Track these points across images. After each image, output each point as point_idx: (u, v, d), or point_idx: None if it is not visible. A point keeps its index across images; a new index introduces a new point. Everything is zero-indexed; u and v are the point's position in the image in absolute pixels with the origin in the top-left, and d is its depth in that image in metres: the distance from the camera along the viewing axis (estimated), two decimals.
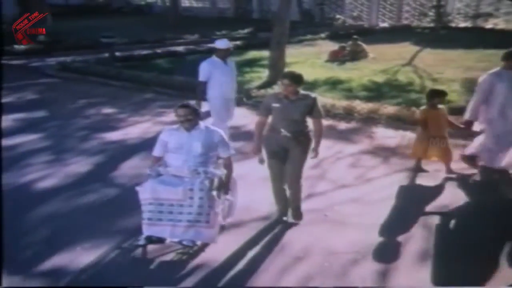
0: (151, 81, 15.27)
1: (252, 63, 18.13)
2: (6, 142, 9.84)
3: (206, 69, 8.97)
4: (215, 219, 5.88)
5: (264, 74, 15.79)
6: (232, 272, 5.58)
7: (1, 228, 4.97)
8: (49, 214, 6.95)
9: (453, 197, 7.48)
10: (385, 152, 9.41)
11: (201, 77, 8.98)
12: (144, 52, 20.65)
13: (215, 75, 9.00)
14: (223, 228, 6.16)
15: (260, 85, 14.57)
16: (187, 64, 18.12)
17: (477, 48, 19.19)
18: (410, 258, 5.93)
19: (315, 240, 6.23)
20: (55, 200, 7.37)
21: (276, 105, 6.31)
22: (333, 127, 10.87)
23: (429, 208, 7.14)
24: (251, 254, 5.94)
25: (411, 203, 7.29)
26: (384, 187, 7.83)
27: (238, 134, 10.08)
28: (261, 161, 6.53)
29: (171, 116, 11.78)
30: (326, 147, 9.38)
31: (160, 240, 5.89)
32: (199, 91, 8.98)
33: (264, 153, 6.48)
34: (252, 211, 6.89)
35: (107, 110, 12.70)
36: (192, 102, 6.43)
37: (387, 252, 6.01)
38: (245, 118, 11.06)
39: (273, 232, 6.43)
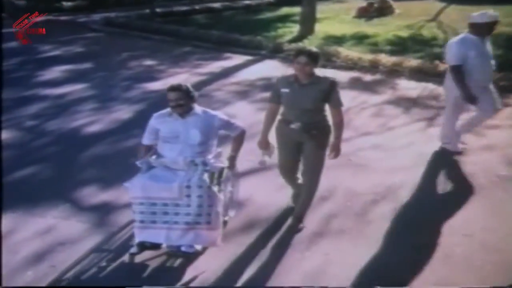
0: (189, 35, 15.36)
1: (284, 18, 18.05)
2: (56, 91, 10.11)
3: (458, 50, 6.60)
4: (217, 220, 4.81)
5: (295, 29, 15.74)
6: (261, 209, 5.71)
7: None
8: (96, 155, 7.19)
9: None
10: (406, 103, 9.44)
11: (455, 60, 6.63)
12: (183, 8, 20.67)
13: (469, 57, 6.58)
14: (225, 223, 5.21)
15: (291, 39, 14.55)
16: (223, 20, 18.13)
17: (505, 4, 18.65)
18: (427, 198, 6.03)
19: (339, 182, 6.33)
20: (101, 143, 7.60)
21: (285, 90, 5.01)
22: (358, 79, 10.89)
23: (443, 155, 7.20)
24: (278, 193, 6.01)
25: (429, 150, 7.33)
26: (404, 134, 7.91)
27: (270, 84, 10.13)
28: (262, 163, 5.33)
29: (207, 67, 11.97)
30: (352, 97, 9.48)
31: (155, 246, 4.85)
32: (458, 76, 6.60)
33: (271, 150, 5.31)
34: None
35: (148, 62, 12.82)
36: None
37: (404, 193, 6.09)
38: (276, 69, 11.11)
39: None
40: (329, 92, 4.92)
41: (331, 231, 5.33)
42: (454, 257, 4.90)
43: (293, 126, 5.03)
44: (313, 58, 4.86)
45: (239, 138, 5.29)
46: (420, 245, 5.08)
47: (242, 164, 5.87)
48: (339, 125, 5.12)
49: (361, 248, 5.03)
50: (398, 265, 4.76)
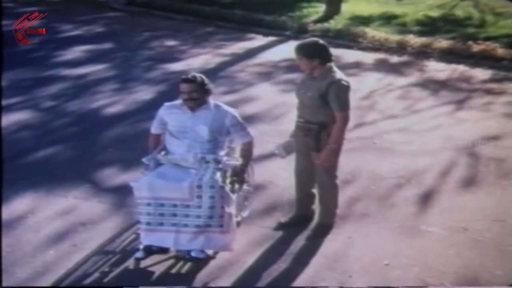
0: (212, 15, 15.33)
1: None
2: (76, 71, 10.20)
3: None
4: (230, 222, 4.62)
5: (321, 9, 15.65)
6: (283, 191, 5.78)
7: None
8: (117, 136, 7.31)
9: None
10: (434, 85, 9.44)
11: None
12: None
13: None
14: (238, 224, 4.94)
15: (317, 20, 14.49)
16: None
17: None
18: (453, 183, 6.07)
19: (363, 165, 6.40)
20: (122, 124, 7.71)
21: (299, 81, 4.97)
22: (385, 60, 10.87)
23: (476, 139, 7.20)
24: None
25: (457, 133, 7.33)
26: (431, 117, 7.94)
27: (294, 65, 10.15)
28: (280, 154, 5.12)
29: (230, 48, 11.99)
30: (377, 79, 9.51)
31: (163, 250, 4.64)
32: None
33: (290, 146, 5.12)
34: None
35: (170, 42, 12.86)
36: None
37: (430, 177, 6.13)
38: None
39: None
40: (325, 92, 4.59)
41: (354, 214, 5.43)
42: (483, 242, 4.96)
43: (299, 119, 4.88)
44: (300, 52, 4.76)
45: (247, 149, 4.98)
46: (446, 228, 5.13)
47: (265, 146, 5.96)
48: (335, 131, 4.64)
49: (384, 232, 5.10)
50: (423, 249, 4.82)
